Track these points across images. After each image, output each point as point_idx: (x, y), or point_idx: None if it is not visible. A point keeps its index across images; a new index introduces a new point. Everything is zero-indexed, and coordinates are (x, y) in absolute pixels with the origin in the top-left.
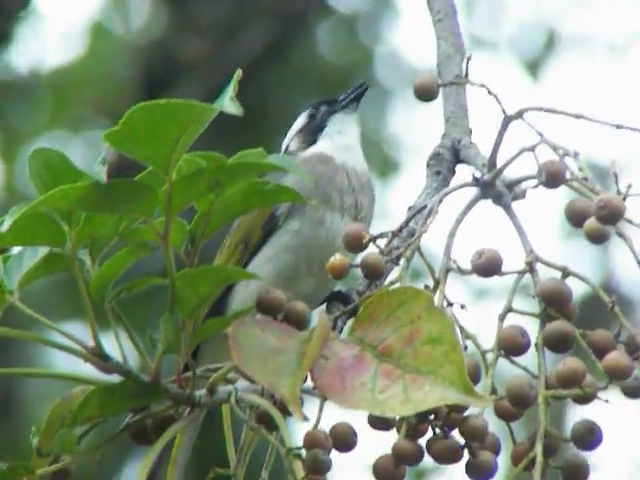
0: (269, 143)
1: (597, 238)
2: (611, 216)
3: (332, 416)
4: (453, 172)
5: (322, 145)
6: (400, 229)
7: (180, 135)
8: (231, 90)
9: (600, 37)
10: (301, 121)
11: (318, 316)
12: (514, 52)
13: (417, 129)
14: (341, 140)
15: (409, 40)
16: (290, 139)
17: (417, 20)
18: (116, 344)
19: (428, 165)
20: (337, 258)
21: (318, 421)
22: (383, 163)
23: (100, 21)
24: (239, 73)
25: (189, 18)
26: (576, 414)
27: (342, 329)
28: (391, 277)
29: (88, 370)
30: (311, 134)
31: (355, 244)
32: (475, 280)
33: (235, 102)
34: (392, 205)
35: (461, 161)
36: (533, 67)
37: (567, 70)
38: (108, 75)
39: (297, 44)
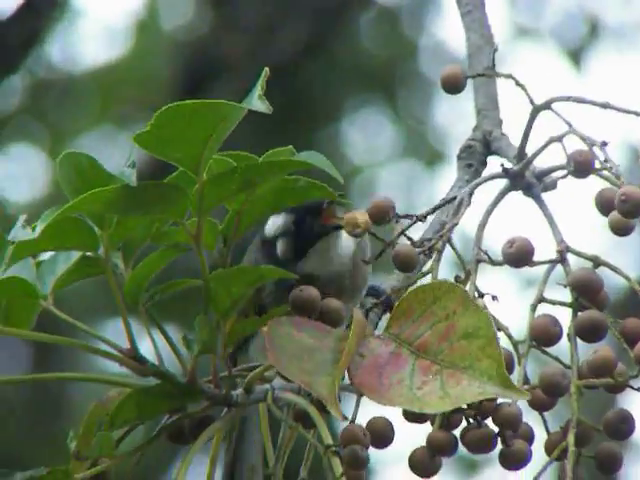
0: (314, 136)
1: (620, 231)
2: (633, 209)
3: (368, 411)
4: (485, 164)
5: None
6: (426, 215)
7: (209, 135)
8: (259, 88)
9: None
10: (283, 225)
11: (353, 313)
12: (557, 41)
13: (462, 120)
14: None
15: (452, 31)
16: (273, 235)
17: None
18: (151, 346)
19: (459, 158)
20: (361, 215)
21: (355, 417)
22: (429, 154)
23: (144, 19)
24: (266, 71)
25: (230, 16)
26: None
27: (376, 324)
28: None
29: (125, 372)
30: (299, 243)
31: (379, 216)
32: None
33: (263, 100)
34: (438, 197)
35: (493, 153)
36: (576, 56)
37: (610, 60)
38: (150, 73)
39: (339, 38)
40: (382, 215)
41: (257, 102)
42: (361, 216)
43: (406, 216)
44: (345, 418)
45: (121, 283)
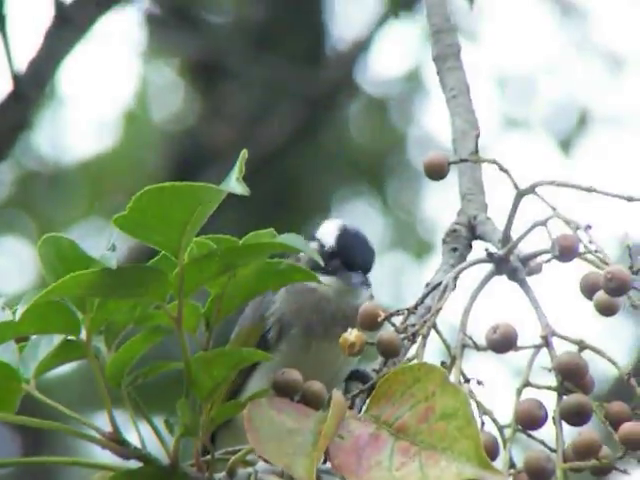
0: (303, 224)
1: (607, 311)
2: (619, 288)
3: None
4: (470, 248)
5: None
6: (416, 306)
7: (189, 218)
8: (237, 171)
9: (633, 116)
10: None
11: (332, 395)
12: (546, 130)
13: (450, 207)
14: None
15: (441, 120)
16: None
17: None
18: (134, 429)
19: (445, 242)
20: (353, 334)
21: None
22: (417, 245)
23: (133, 109)
24: (244, 154)
25: (218, 104)
26: None
27: (361, 408)
28: (409, 354)
29: (109, 456)
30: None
31: (370, 322)
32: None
33: (241, 183)
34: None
35: (478, 237)
36: (566, 145)
37: (600, 148)
38: (140, 163)
39: (327, 126)
40: (373, 321)
41: (235, 184)
42: (353, 336)
43: (397, 312)
44: None
45: (103, 366)
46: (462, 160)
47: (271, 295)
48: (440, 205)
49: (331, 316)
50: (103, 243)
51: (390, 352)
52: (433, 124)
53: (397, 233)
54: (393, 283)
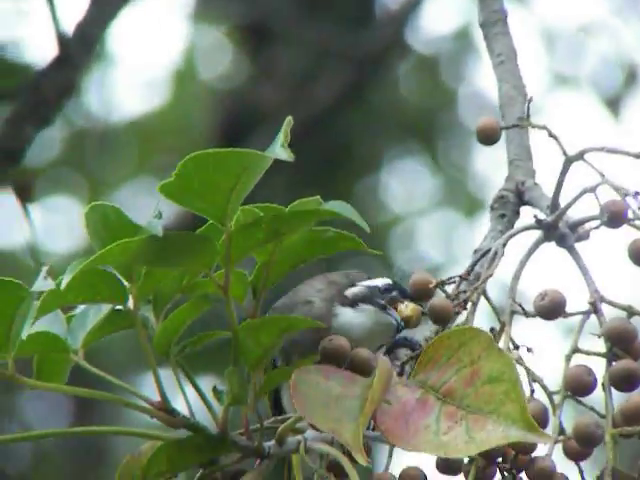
0: (353, 187)
1: None
2: None
3: (402, 463)
4: (517, 214)
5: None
6: (467, 273)
7: (234, 184)
8: (282, 137)
9: None
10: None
11: (379, 362)
12: (594, 89)
13: (501, 168)
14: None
15: (491, 79)
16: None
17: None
18: (183, 398)
19: (492, 208)
20: (409, 307)
21: (387, 466)
22: (468, 203)
23: (182, 68)
24: (290, 120)
25: (268, 65)
26: None
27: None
28: (458, 321)
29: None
30: (363, 301)
31: (422, 291)
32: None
33: (286, 149)
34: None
35: (525, 203)
36: (613, 104)
37: None
38: (188, 123)
39: (378, 87)
40: (425, 289)
41: (280, 150)
42: (409, 309)
43: (449, 279)
44: (370, 463)
45: (152, 336)
46: (514, 125)
47: None
48: (490, 162)
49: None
50: (153, 203)
51: (442, 319)
52: (483, 82)
53: (448, 191)
54: (444, 241)
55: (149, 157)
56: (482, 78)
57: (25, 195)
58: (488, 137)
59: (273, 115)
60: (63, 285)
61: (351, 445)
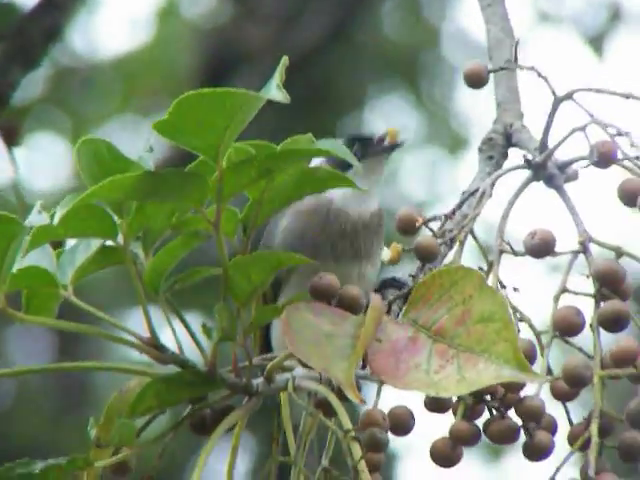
0: (337, 123)
1: None
2: None
3: (390, 401)
4: (506, 156)
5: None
6: (453, 212)
7: (228, 123)
8: (277, 77)
9: None
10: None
11: (371, 299)
12: (578, 27)
13: (485, 106)
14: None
15: (474, 17)
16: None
17: None
18: (172, 335)
19: (480, 150)
20: (391, 245)
21: (376, 403)
22: (451, 140)
23: (165, 7)
24: (285, 60)
25: (252, 4)
26: None
27: (398, 314)
28: (445, 260)
29: (147, 361)
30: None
31: (408, 227)
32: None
33: (281, 89)
34: (460, 184)
35: (513, 145)
36: (597, 43)
37: (631, 46)
38: (172, 61)
39: (362, 25)
40: (411, 225)
41: (275, 91)
42: (391, 250)
43: (434, 218)
44: (363, 401)
45: (141, 272)
46: (501, 68)
47: (276, 224)
48: (474, 100)
49: (339, 233)
50: (137, 140)
51: (428, 257)
52: (467, 20)
53: (431, 128)
54: (427, 177)
55: (132, 94)
56: (465, 16)
57: (11, 139)
58: (475, 81)
59: (257, 54)
60: (56, 220)
61: (343, 383)
